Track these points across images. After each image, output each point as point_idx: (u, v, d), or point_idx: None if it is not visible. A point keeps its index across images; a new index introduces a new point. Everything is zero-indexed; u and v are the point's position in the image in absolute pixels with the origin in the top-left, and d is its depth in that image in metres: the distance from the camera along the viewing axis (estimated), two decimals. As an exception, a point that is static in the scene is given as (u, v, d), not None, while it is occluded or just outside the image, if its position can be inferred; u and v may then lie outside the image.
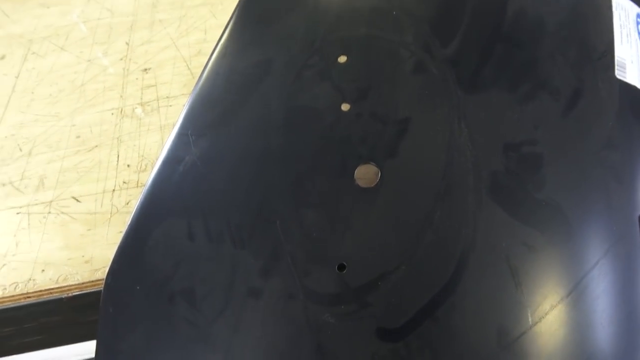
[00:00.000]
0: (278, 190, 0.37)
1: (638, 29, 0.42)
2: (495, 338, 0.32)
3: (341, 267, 0.34)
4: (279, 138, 0.39)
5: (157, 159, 0.41)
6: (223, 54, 0.44)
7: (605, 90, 0.38)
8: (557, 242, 0.34)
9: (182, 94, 0.61)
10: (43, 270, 0.50)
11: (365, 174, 0.37)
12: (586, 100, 0.38)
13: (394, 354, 0.32)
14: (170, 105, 0.60)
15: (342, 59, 0.40)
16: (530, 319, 0.32)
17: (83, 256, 0.50)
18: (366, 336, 0.33)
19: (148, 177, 0.40)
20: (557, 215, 0.34)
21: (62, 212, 0.53)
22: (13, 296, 0.48)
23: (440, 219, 0.34)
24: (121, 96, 0.62)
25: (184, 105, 0.42)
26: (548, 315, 0.32)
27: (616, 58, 0.40)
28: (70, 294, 0.48)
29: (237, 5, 0.47)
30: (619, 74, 0.39)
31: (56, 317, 0.48)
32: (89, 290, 0.48)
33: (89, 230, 0.52)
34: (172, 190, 0.39)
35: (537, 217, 0.34)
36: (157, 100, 0.61)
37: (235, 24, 0.46)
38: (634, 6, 0.43)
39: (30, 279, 0.49)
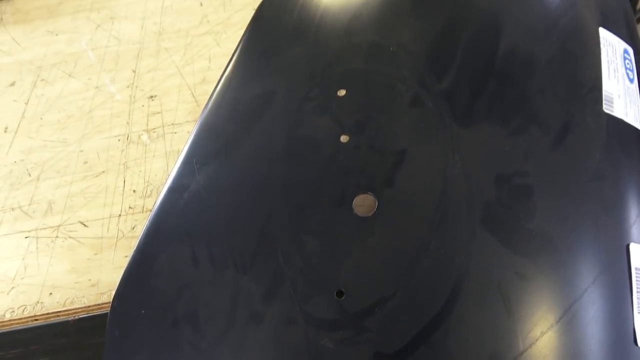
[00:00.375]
0: (279, 218, 0.39)
1: (625, 65, 0.44)
2: (488, 363, 0.33)
3: (339, 294, 0.35)
4: (280, 167, 0.41)
5: (162, 185, 0.43)
6: (227, 85, 0.46)
7: (593, 123, 0.40)
8: (547, 270, 0.35)
9: (187, 121, 0.63)
10: (51, 294, 0.51)
11: (364, 203, 0.38)
12: (575, 134, 0.39)
13: (391, 379, 0.33)
14: (175, 132, 0.62)
15: (342, 92, 0.42)
16: (521, 345, 0.33)
17: (90, 280, 0.51)
18: (363, 361, 0.34)
19: (154, 204, 0.42)
20: (548, 244, 0.35)
21: (70, 237, 0.54)
22: (21, 319, 0.49)
23: (435, 248, 0.35)
24: (128, 123, 0.64)
25: (188, 132, 0.44)
26: (538, 342, 0.33)
27: (604, 93, 0.41)
28: (76, 317, 0.49)
29: (242, 39, 0.49)
30: (606, 108, 0.41)
31: (62, 339, 0.48)
32: (95, 313, 0.49)
33: (96, 254, 0.53)
34: (177, 216, 0.41)
35: (528, 247, 0.35)
36: (163, 127, 0.63)
37: (239, 56, 0.47)
38: (621, 42, 0.45)
39: (38, 302, 0.50)
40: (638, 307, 0.35)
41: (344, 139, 0.40)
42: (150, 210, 0.42)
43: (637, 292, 0.35)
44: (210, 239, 0.39)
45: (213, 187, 0.41)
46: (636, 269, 0.36)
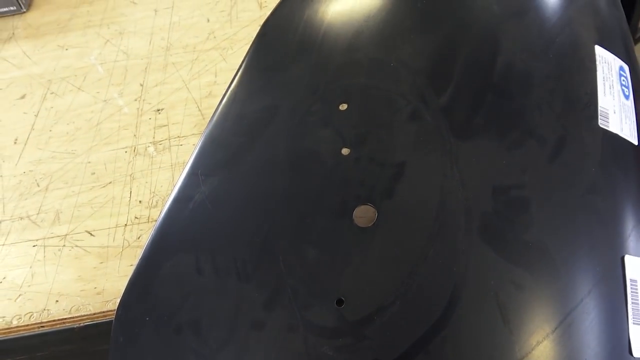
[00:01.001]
0: (282, 228, 0.39)
1: (621, 81, 0.45)
2: (484, 371, 0.33)
3: (339, 302, 0.36)
4: (283, 179, 0.41)
5: (167, 196, 0.43)
6: (232, 99, 0.47)
7: (589, 138, 0.40)
8: (543, 281, 0.35)
9: (193, 134, 0.64)
10: (57, 301, 0.51)
11: (364, 214, 0.39)
12: (571, 148, 0.40)
13: (389, 386, 0.33)
14: (181, 145, 0.63)
15: (343, 106, 0.43)
16: (517, 353, 0.33)
17: (95, 288, 0.52)
18: (363, 368, 0.34)
19: (159, 214, 0.43)
20: (544, 255, 0.36)
21: (76, 246, 0.55)
22: (28, 325, 0.50)
23: (433, 257, 0.36)
24: (135, 135, 0.65)
25: (194, 145, 0.45)
26: (534, 351, 0.33)
27: (599, 108, 0.42)
28: (82, 324, 0.49)
29: (246, 55, 0.50)
30: (602, 123, 0.41)
31: (68, 346, 0.49)
32: (100, 321, 0.50)
33: (102, 263, 0.54)
34: (182, 226, 0.41)
35: (524, 257, 0.36)
36: (169, 139, 0.64)
37: (244, 71, 0.48)
38: (617, 60, 0.45)
39: (44, 309, 0.51)
40: (633, 317, 0.35)
41: (345, 151, 0.41)
42: (156, 220, 0.43)
43: (632, 303, 0.36)
44: (214, 248, 0.40)
45: (217, 197, 0.42)
46: (631, 280, 0.36)
